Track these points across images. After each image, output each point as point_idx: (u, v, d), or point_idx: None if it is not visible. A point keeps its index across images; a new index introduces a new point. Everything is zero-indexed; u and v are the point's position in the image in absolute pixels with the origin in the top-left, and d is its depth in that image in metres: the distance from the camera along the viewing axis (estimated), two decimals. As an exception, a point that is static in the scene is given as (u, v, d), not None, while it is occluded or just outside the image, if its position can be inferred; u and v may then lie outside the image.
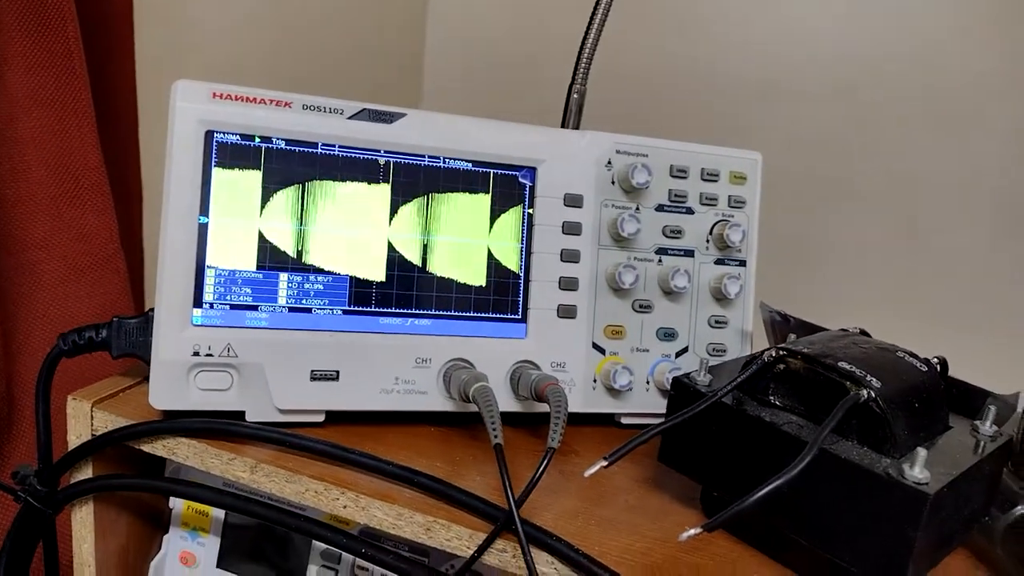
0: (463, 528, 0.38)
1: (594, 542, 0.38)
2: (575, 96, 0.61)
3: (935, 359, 0.40)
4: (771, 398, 0.38)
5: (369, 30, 1.05)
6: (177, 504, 0.52)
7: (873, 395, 0.35)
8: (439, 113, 0.47)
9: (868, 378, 0.35)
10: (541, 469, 0.37)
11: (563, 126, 0.62)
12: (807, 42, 0.94)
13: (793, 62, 0.95)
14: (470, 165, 0.47)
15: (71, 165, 0.59)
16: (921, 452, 0.32)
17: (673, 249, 0.51)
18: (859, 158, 0.93)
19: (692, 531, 0.31)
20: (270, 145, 0.44)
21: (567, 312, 0.49)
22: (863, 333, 0.43)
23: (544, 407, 0.44)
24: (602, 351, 0.49)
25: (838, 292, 0.95)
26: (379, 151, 0.45)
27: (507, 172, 0.48)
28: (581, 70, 0.61)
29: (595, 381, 0.49)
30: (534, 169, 0.48)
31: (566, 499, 0.42)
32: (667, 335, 0.51)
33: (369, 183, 0.45)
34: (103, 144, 0.60)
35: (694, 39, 1.00)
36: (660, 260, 0.51)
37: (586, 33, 0.61)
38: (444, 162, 0.47)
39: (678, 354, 0.51)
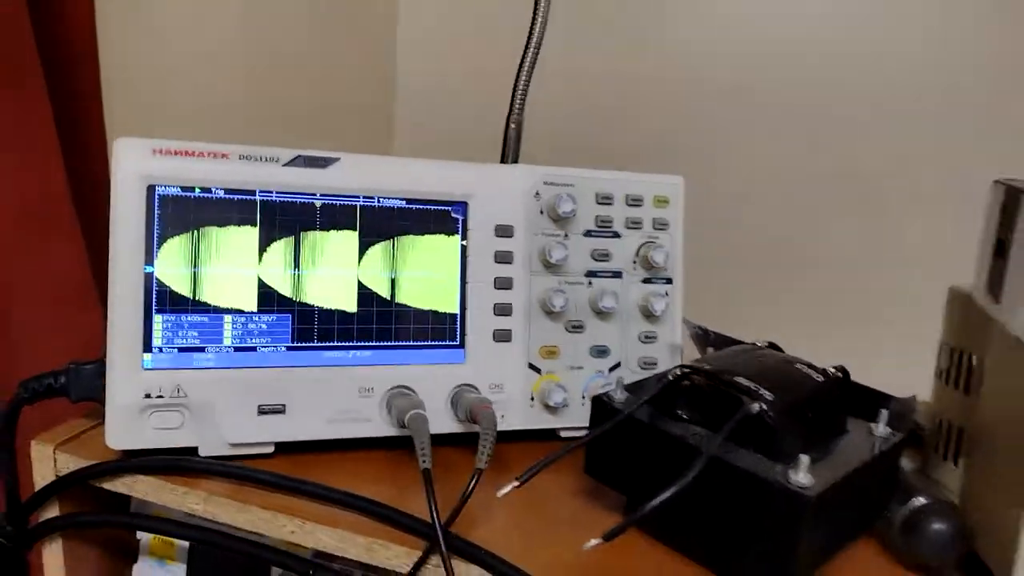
0: (401, 548, 0.41)
1: (525, 553, 0.41)
2: (512, 127, 0.65)
3: (833, 369, 0.43)
4: (680, 412, 0.41)
5: (340, 80, 1.07)
6: (144, 535, 0.54)
7: (765, 407, 0.38)
8: (372, 156, 0.50)
9: (762, 391, 0.39)
10: (469, 489, 0.40)
11: (502, 157, 0.65)
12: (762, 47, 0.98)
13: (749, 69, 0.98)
14: (404, 203, 0.50)
15: (38, 206, 0.62)
16: (804, 459, 0.35)
17: (602, 272, 0.54)
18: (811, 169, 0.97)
19: (593, 541, 0.34)
20: (210, 195, 0.46)
21: (503, 336, 0.52)
22: (771, 346, 0.47)
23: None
24: (538, 370, 0.52)
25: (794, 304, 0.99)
26: (315, 194, 0.48)
27: (440, 207, 0.51)
28: (517, 102, 0.64)
29: (532, 399, 0.52)
30: (465, 203, 0.51)
31: (501, 513, 0.45)
32: (600, 352, 0.54)
33: (307, 225, 0.48)
34: (72, 182, 0.62)
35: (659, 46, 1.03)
36: (590, 283, 0.54)
37: (520, 66, 0.64)
38: (378, 201, 0.50)
39: (611, 369, 0.54)
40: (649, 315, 0.55)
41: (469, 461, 0.51)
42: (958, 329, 0.48)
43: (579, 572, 0.40)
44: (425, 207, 0.50)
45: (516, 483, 0.37)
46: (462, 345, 0.51)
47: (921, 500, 0.42)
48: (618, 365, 0.54)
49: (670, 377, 0.41)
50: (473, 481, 0.40)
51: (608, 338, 0.54)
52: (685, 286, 0.57)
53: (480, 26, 1.09)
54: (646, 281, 0.55)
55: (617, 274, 0.54)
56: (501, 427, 0.51)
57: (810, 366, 0.43)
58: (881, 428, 0.42)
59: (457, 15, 1.12)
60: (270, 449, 0.48)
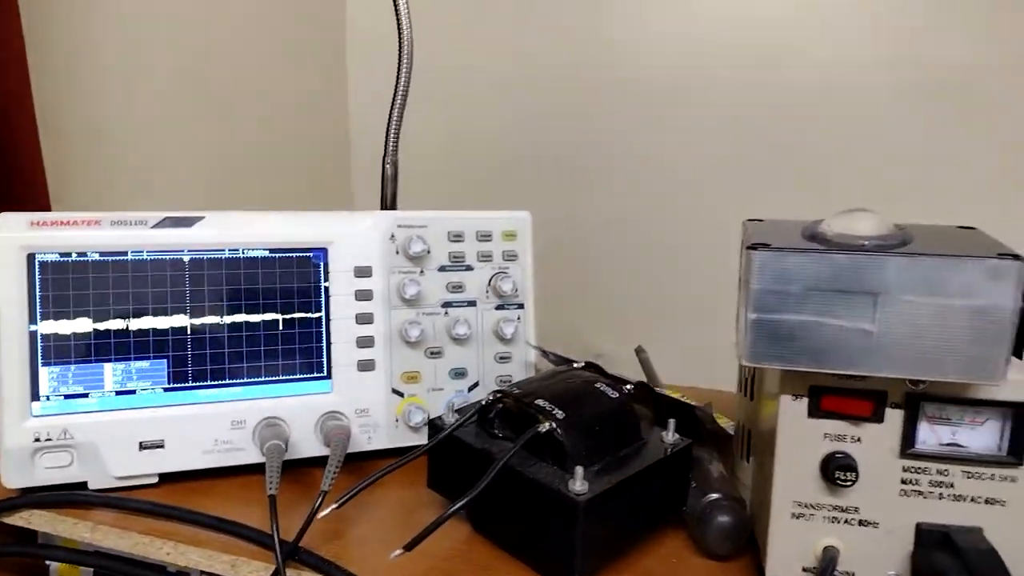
0: (261, 563, 0.47)
1: (368, 563, 0.47)
2: (388, 167, 0.71)
3: (628, 387, 0.50)
4: (495, 430, 0.48)
5: (299, 140, 1.13)
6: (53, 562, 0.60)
7: (554, 425, 0.44)
8: (236, 212, 0.56)
9: (555, 411, 0.45)
10: (315, 509, 0.46)
11: (381, 197, 0.71)
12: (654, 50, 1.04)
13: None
14: (268, 252, 0.56)
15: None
16: (579, 469, 0.42)
17: (457, 302, 0.60)
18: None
19: (397, 552, 0.40)
20: (85, 258, 0.52)
21: (366, 366, 0.58)
22: (589, 366, 0.53)
23: (350, 450, 0.53)
24: (401, 394, 0.59)
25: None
26: (183, 250, 0.54)
27: (301, 254, 0.57)
28: (391, 144, 0.71)
29: (397, 421, 0.58)
30: (325, 249, 0.57)
31: (357, 527, 0.51)
32: (458, 374, 0.60)
33: (176, 279, 0.54)
34: None
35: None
36: (446, 312, 0.60)
37: (391, 111, 0.70)
38: (243, 252, 0.56)
39: (471, 388, 0.61)
40: (503, 338, 0.61)
41: (338, 480, 0.56)
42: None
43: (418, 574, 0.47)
44: (287, 255, 0.56)
45: (335, 506, 0.44)
46: (329, 376, 0.57)
47: (713, 496, 0.48)
48: (476, 384, 0.61)
49: (483, 402, 0.48)
50: (319, 501, 0.46)
51: (466, 361, 0.60)
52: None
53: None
54: (499, 308, 0.62)
55: (472, 303, 0.61)
56: (369, 447, 0.58)
57: (611, 385, 0.49)
58: (670, 435, 0.48)
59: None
60: (154, 480, 0.54)
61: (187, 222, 0.54)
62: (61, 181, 0.80)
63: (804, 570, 0.42)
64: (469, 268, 0.61)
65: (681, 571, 0.47)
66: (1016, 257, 0.36)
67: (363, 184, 1.22)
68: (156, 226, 0.53)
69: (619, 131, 1.02)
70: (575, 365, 0.53)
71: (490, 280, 0.61)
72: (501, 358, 0.61)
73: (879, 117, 0.93)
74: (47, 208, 0.77)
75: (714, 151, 1.01)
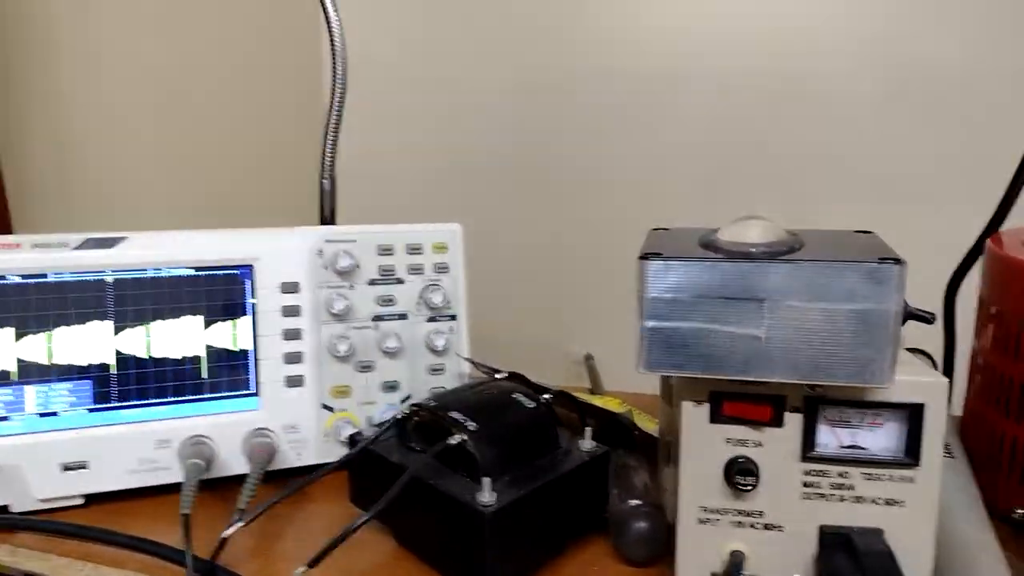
0: (178, 581, 0.47)
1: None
2: (324, 182, 0.71)
3: (547, 396, 0.50)
4: (413, 444, 0.48)
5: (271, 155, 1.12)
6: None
7: (465, 438, 0.44)
8: (159, 232, 0.56)
9: (468, 423, 0.45)
10: (232, 530, 0.46)
11: (320, 213, 0.71)
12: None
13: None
14: (193, 271, 0.56)
15: None
16: (486, 480, 0.42)
17: (388, 315, 0.61)
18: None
19: (300, 569, 0.40)
20: (5, 281, 0.52)
21: (294, 382, 0.58)
22: (512, 376, 0.53)
23: (279, 466, 0.53)
24: (331, 409, 0.59)
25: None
26: (105, 271, 0.54)
27: (227, 272, 0.57)
28: (327, 160, 0.71)
29: (327, 436, 0.58)
30: (251, 266, 0.57)
31: (283, 543, 0.51)
32: (390, 387, 0.60)
33: (99, 299, 0.54)
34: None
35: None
36: (377, 326, 0.60)
37: (326, 126, 0.70)
38: (167, 271, 0.56)
39: (403, 401, 0.61)
40: (435, 350, 0.61)
41: (262, 495, 0.56)
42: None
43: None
44: (212, 273, 0.56)
45: (242, 524, 0.44)
46: (257, 393, 0.57)
47: (631, 503, 0.48)
48: (409, 397, 0.61)
49: (398, 415, 0.48)
50: (235, 519, 0.46)
51: (397, 374, 0.61)
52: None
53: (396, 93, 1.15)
54: (431, 320, 0.62)
55: (403, 316, 0.61)
56: (298, 463, 0.58)
57: (528, 395, 0.49)
58: (587, 443, 0.49)
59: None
60: (80, 501, 0.54)
61: (109, 243, 0.54)
62: (24, 203, 0.80)
63: (712, 575, 0.43)
64: (399, 281, 0.61)
65: (599, 578, 0.47)
66: (897, 261, 0.37)
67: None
68: (78, 248, 0.53)
69: (577, 140, 1.03)
70: (497, 376, 0.53)
71: (421, 292, 0.61)
72: (434, 370, 0.62)
73: (846, 118, 0.93)
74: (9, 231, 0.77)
75: (674, 154, 1.01)
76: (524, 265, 1.05)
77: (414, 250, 0.61)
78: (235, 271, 0.57)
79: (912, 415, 0.40)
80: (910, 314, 0.40)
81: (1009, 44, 0.85)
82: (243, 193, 1.08)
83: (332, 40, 0.69)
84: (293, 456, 0.57)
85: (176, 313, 0.56)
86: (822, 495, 0.41)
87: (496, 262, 0.96)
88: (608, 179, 1.02)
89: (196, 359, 0.56)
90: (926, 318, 0.41)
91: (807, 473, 0.41)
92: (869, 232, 0.44)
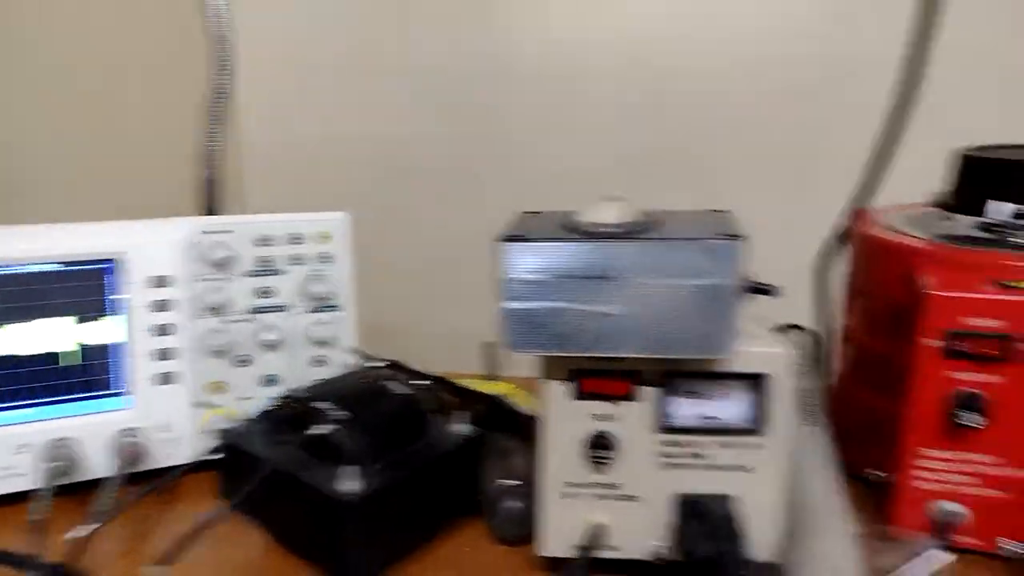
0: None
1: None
2: (206, 171, 0.69)
3: (424, 383, 0.50)
4: (281, 436, 0.47)
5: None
6: None
7: (330, 427, 0.44)
8: (22, 225, 0.54)
9: (336, 412, 0.45)
10: (80, 532, 0.44)
11: (207, 203, 0.69)
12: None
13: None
14: (58, 265, 0.54)
15: None
16: (349, 468, 0.42)
17: (267, 307, 0.59)
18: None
19: (151, 567, 0.39)
20: None
21: (167, 379, 0.56)
22: (392, 365, 0.53)
23: (150, 466, 0.52)
24: (207, 406, 0.57)
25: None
26: (-45, 268, 0.51)
27: (93, 266, 0.55)
28: (208, 149, 0.69)
29: (203, 433, 0.57)
30: (120, 260, 0.55)
31: (152, 545, 0.49)
32: (269, 381, 0.59)
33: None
34: None
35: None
36: (255, 318, 0.59)
37: (209, 116, 0.68)
38: (32, 266, 0.53)
39: (285, 395, 0.60)
40: (318, 341, 0.60)
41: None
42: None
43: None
44: (77, 267, 0.54)
45: (97, 524, 0.42)
46: (127, 391, 0.55)
47: (503, 483, 0.49)
48: (292, 390, 0.60)
49: (269, 406, 0.47)
50: (90, 524, 0.45)
51: (278, 367, 0.59)
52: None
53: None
54: (316, 311, 0.61)
55: (283, 308, 0.60)
56: (171, 463, 0.56)
57: (403, 382, 0.49)
58: (461, 427, 0.49)
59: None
60: (-72, 512, 0.50)
61: (-44, 237, 0.51)
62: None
63: (576, 547, 0.44)
64: (279, 272, 0.60)
65: (472, 557, 0.48)
66: (734, 236, 0.39)
67: (255, 189, 1.18)
68: (-81, 242, 0.50)
69: (508, 128, 1.03)
70: (376, 364, 0.53)
71: (302, 284, 0.60)
72: (318, 362, 0.61)
73: (749, 117, 0.97)
74: None
75: (574, 147, 1.03)
76: (445, 253, 1.05)
77: (295, 240, 0.60)
78: (102, 265, 0.55)
79: (757, 385, 0.42)
80: (752, 288, 0.42)
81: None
82: (160, 182, 1.04)
83: (207, 20, 0.67)
84: (164, 456, 0.55)
85: (37, 312, 0.53)
86: (677, 465, 0.43)
87: (416, 251, 0.96)
88: (518, 169, 1.03)
89: (61, 358, 0.54)
90: (767, 291, 0.43)
91: (663, 444, 0.43)
92: (724, 211, 0.46)
